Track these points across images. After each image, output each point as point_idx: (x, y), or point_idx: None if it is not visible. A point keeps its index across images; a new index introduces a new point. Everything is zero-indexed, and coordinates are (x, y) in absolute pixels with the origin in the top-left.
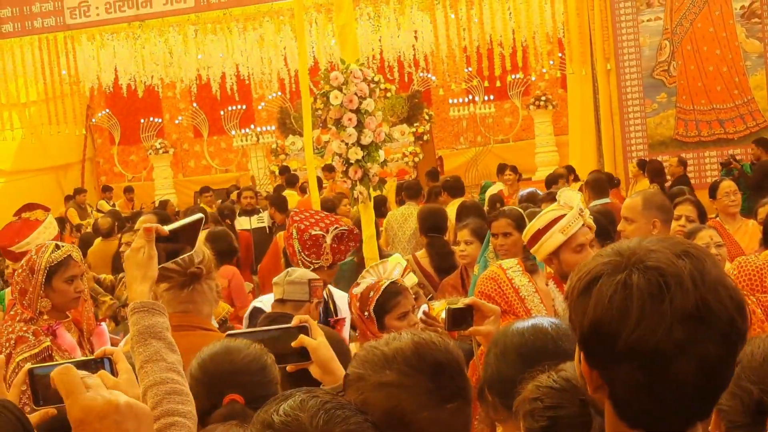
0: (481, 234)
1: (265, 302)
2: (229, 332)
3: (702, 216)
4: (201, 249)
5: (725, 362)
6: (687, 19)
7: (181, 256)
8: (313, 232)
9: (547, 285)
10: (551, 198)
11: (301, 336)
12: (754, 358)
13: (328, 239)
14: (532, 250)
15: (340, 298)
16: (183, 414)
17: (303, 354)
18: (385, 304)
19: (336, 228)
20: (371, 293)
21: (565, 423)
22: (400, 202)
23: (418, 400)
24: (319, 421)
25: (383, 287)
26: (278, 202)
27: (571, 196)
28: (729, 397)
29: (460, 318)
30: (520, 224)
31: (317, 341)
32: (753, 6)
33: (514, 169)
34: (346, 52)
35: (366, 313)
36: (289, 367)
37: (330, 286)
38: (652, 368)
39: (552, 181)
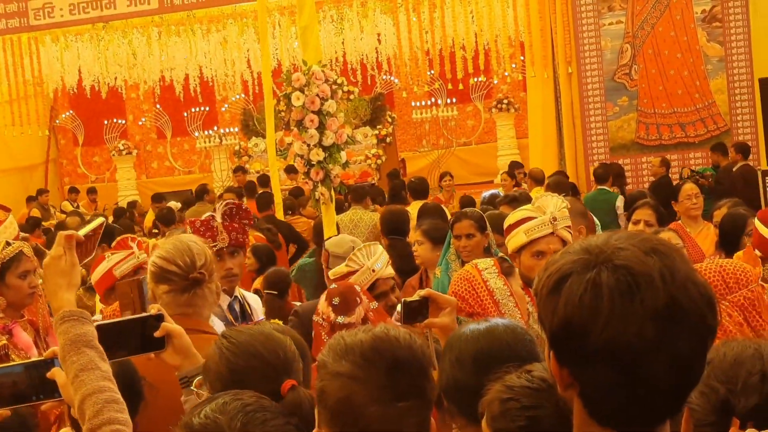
0: (433, 235)
1: None
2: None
3: (661, 219)
4: (203, 252)
5: (696, 359)
6: (648, 23)
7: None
8: (203, 217)
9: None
10: (509, 201)
11: (164, 324)
12: (725, 358)
13: (218, 217)
14: (505, 240)
15: (253, 299)
16: (123, 422)
17: (158, 342)
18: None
19: (223, 204)
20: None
21: (545, 423)
22: (348, 206)
23: (369, 393)
24: (237, 423)
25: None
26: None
27: (547, 202)
28: (698, 395)
29: (416, 310)
30: (482, 226)
31: (179, 327)
32: (714, 10)
33: (451, 176)
34: (308, 54)
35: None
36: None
37: (241, 289)
38: (624, 367)
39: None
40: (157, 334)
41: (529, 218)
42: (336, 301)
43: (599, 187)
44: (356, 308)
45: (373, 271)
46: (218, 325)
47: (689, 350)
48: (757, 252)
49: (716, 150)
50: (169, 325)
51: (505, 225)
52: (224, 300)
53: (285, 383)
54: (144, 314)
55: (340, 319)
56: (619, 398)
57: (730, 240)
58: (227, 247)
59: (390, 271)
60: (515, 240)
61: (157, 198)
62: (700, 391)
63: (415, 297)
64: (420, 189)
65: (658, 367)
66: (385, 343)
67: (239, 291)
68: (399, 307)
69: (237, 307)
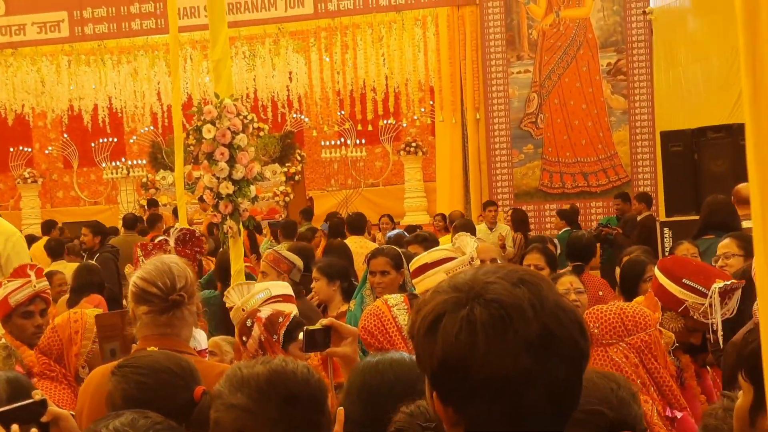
0: (328, 272)
1: None
2: None
3: (551, 263)
4: (184, 274)
5: (573, 383)
6: (555, 74)
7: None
8: (156, 241)
9: None
10: (420, 240)
11: (50, 409)
12: (591, 382)
13: (171, 242)
14: (414, 281)
15: (197, 332)
16: None
17: (44, 427)
18: (293, 332)
19: (177, 230)
20: (280, 318)
21: None
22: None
23: (262, 427)
24: None
25: (292, 316)
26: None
27: (466, 242)
28: (579, 427)
29: (318, 339)
30: (397, 263)
31: (65, 411)
32: (619, 63)
33: (390, 218)
34: (220, 87)
35: (275, 336)
36: None
37: None
38: (504, 399)
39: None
40: (44, 419)
41: (450, 258)
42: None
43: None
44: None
45: (243, 310)
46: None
47: (565, 376)
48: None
49: (624, 199)
50: (55, 409)
51: (420, 263)
52: None
53: (197, 389)
54: (28, 401)
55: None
56: (504, 429)
57: (629, 285)
58: None
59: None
60: (434, 279)
61: (48, 226)
62: (580, 420)
63: (317, 326)
64: (357, 225)
65: (537, 395)
66: (281, 377)
67: None
68: (301, 335)
69: None
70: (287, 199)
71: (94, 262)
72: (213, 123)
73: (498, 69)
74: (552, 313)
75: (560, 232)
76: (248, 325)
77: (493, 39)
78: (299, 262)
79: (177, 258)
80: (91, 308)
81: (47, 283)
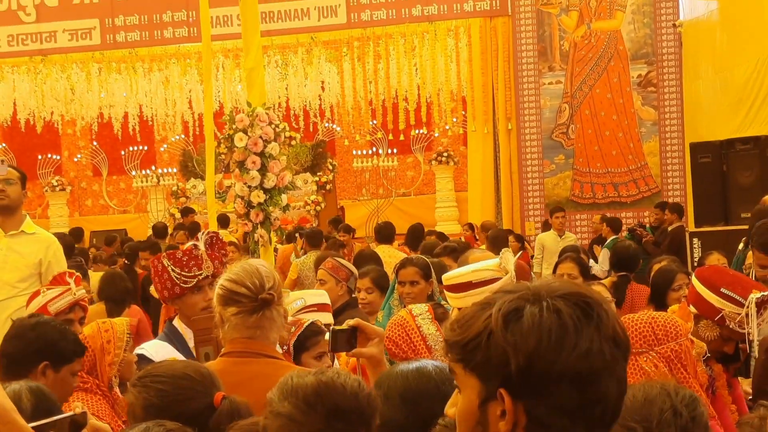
0: (383, 285)
1: (148, 349)
2: None
3: (585, 273)
4: (272, 274)
5: (626, 381)
6: (587, 85)
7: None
8: (185, 248)
9: None
10: (449, 252)
11: (91, 422)
12: (635, 399)
13: (201, 246)
14: (453, 295)
15: None
16: None
17: None
18: (305, 342)
19: (205, 234)
20: (293, 328)
21: None
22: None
23: None
24: None
25: (305, 325)
26: None
27: (510, 259)
28: None
29: (344, 340)
30: (426, 273)
31: (106, 425)
32: (649, 75)
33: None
34: (252, 96)
35: (284, 348)
36: None
37: None
38: (586, 388)
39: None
40: (85, 431)
41: (496, 279)
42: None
43: None
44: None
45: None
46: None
47: (624, 374)
48: (692, 308)
49: (661, 208)
50: (95, 422)
51: (464, 280)
52: (192, 337)
53: (216, 395)
54: (69, 414)
55: None
56: (573, 421)
57: (659, 294)
58: (210, 276)
59: (329, 317)
60: (477, 299)
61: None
62: None
63: (344, 326)
64: (386, 233)
65: (612, 387)
66: (329, 389)
67: None
68: (328, 336)
69: None
70: (318, 208)
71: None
72: (245, 131)
73: (530, 80)
74: (613, 313)
75: (608, 241)
76: None
77: (525, 50)
78: (356, 270)
79: (263, 261)
80: (119, 318)
81: (85, 291)
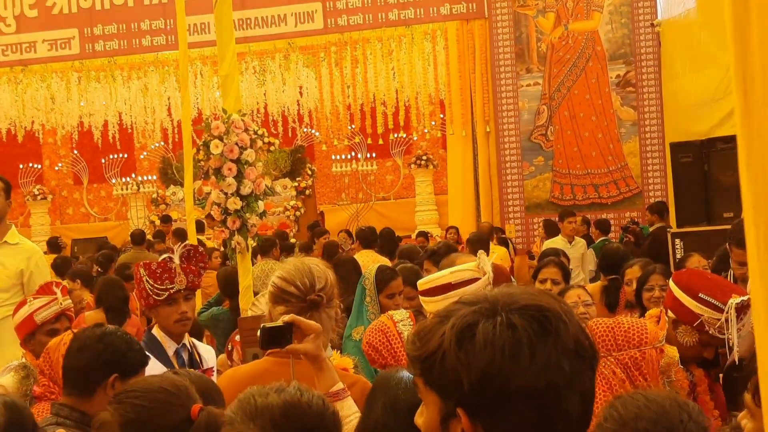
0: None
1: None
2: None
3: (567, 277)
4: (324, 275)
5: (593, 394)
6: (565, 86)
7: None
8: (160, 260)
9: None
10: (429, 255)
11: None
12: (663, 408)
13: (176, 259)
14: (431, 299)
15: (205, 349)
16: None
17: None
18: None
19: (181, 246)
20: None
21: None
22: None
23: None
24: None
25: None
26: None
27: (486, 260)
28: None
29: (277, 336)
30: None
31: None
32: (628, 75)
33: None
34: (228, 102)
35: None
36: None
37: (193, 339)
38: (545, 405)
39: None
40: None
41: (475, 279)
42: None
43: None
44: None
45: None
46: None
47: (590, 385)
48: (670, 314)
49: (654, 210)
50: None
51: (440, 282)
52: (171, 346)
53: (193, 408)
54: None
55: None
56: None
57: (637, 294)
58: (183, 290)
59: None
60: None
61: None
62: None
63: (277, 323)
64: (369, 238)
65: (574, 402)
66: (296, 410)
67: (188, 339)
68: (258, 333)
69: (185, 356)
70: (298, 213)
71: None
72: (221, 138)
73: (507, 82)
74: (577, 323)
75: (596, 242)
76: (229, 349)
77: (503, 52)
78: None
79: (318, 260)
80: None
81: (71, 301)
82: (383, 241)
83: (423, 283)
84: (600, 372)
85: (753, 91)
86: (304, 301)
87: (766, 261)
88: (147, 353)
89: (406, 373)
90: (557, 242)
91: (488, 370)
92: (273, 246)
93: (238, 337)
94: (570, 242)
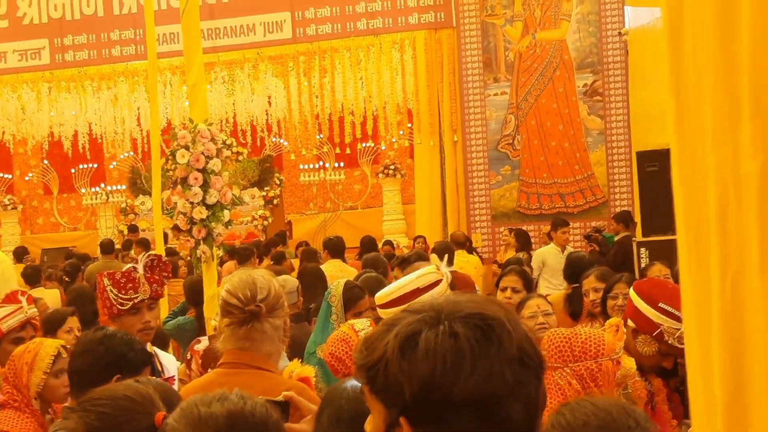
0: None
1: None
2: None
3: (528, 285)
4: (268, 286)
5: (539, 401)
6: (532, 95)
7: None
8: (124, 269)
9: None
10: (399, 263)
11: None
12: (611, 415)
13: (140, 269)
14: (398, 309)
15: (166, 358)
16: None
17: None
18: None
19: (145, 256)
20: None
21: None
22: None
23: None
24: None
25: None
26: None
27: (441, 263)
28: None
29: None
30: None
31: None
32: (595, 84)
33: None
34: (195, 112)
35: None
36: None
37: (155, 347)
38: (489, 414)
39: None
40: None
41: (439, 281)
42: None
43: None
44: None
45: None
46: None
47: (535, 393)
48: (630, 323)
49: (620, 220)
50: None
51: (408, 289)
52: None
53: (158, 415)
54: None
55: None
56: None
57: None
58: (147, 299)
59: None
60: None
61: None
62: None
63: (279, 398)
64: (337, 248)
65: (517, 410)
66: (240, 420)
67: (150, 348)
68: None
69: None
70: (266, 222)
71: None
72: (187, 148)
73: (475, 91)
74: (522, 331)
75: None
76: (188, 358)
77: (470, 61)
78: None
79: (264, 271)
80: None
81: (36, 310)
82: (364, 249)
83: (391, 293)
84: (555, 383)
85: (687, 102)
86: (243, 312)
87: (697, 271)
88: (149, 352)
89: (352, 383)
90: (550, 251)
91: (429, 380)
92: (251, 255)
93: (197, 346)
94: (562, 251)
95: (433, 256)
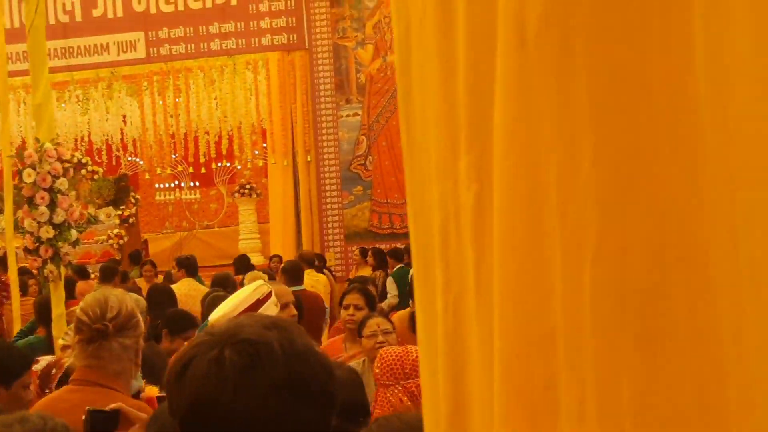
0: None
1: None
2: None
3: (371, 304)
4: (119, 305)
5: (320, 427)
6: (383, 117)
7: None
8: None
9: None
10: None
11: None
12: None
13: None
14: None
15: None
16: None
17: None
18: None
19: None
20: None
21: None
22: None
23: None
24: None
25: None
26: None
27: (262, 279)
28: None
29: (105, 422)
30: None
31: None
32: None
33: (153, 264)
34: (41, 132)
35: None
36: None
37: None
38: None
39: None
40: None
41: (270, 292)
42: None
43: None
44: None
45: None
46: None
47: (313, 419)
48: None
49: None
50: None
51: (251, 300)
52: None
53: None
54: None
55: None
56: None
57: None
58: None
59: None
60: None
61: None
62: None
63: (107, 408)
64: (193, 267)
65: None
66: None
67: None
68: (84, 416)
69: None
70: (121, 242)
71: None
72: (33, 167)
73: (328, 112)
74: (301, 356)
75: (394, 270)
76: None
77: (323, 83)
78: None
79: (120, 291)
80: None
81: None
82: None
83: (236, 307)
84: (387, 400)
85: (414, 135)
86: (91, 330)
87: (425, 296)
88: (31, 355)
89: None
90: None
91: (194, 405)
92: (114, 273)
93: (35, 367)
94: None
95: (252, 273)
